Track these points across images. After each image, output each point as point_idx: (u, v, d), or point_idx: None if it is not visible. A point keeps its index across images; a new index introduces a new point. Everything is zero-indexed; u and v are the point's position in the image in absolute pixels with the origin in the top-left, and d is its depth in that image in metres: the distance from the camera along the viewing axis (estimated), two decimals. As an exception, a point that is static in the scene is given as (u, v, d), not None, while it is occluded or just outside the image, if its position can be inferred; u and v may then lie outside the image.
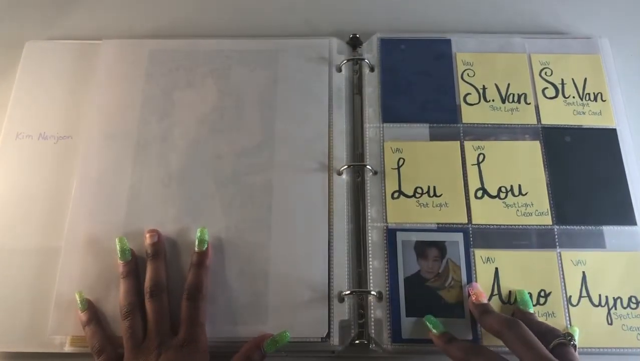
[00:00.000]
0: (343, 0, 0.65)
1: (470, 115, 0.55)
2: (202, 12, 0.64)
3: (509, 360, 0.40)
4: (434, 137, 0.54)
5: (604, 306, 0.48)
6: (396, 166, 0.53)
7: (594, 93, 0.56)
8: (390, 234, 0.50)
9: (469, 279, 0.48)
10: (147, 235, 0.49)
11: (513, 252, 0.49)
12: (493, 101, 0.56)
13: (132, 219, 0.51)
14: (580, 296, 0.48)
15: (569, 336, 0.42)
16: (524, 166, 0.53)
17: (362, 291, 0.49)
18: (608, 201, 0.51)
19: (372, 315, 0.47)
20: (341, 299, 0.48)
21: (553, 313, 0.47)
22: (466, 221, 0.51)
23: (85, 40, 0.60)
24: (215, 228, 0.50)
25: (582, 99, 0.56)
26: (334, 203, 0.51)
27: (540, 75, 0.57)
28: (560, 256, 0.49)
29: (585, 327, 0.47)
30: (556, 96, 0.56)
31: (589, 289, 0.48)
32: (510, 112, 0.55)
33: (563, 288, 0.48)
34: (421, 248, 0.49)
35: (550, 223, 0.50)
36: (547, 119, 0.55)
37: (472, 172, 0.53)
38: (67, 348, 0.47)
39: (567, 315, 0.47)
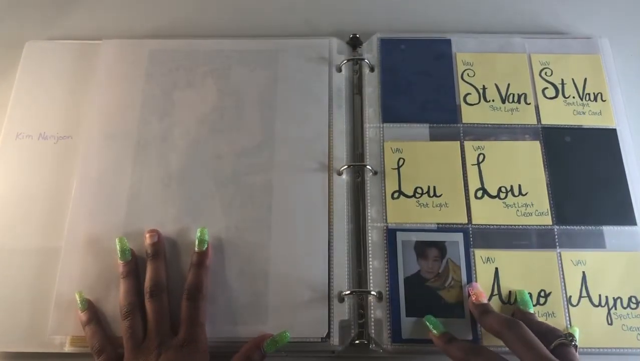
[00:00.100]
0: (343, 0, 0.65)
1: (470, 115, 0.55)
2: (202, 12, 0.64)
3: (509, 360, 0.40)
4: (434, 137, 0.54)
5: (604, 306, 0.48)
6: (396, 166, 0.53)
7: (594, 93, 0.56)
8: (390, 234, 0.50)
9: (469, 279, 0.48)
10: (147, 235, 0.49)
11: (513, 252, 0.49)
12: (493, 101, 0.56)
13: (132, 219, 0.51)
14: (580, 296, 0.48)
15: (570, 337, 0.42)
16: (524, 166, 0.53)
17: (362, 291, 0.49)
18: (608, 201, 0.51)
19: (372, 315, 0.47)
20: (341, 299, 0.48)
21: (553, 313, 0.47)
22: (466, 221, 0.51)
23: (85, 40, 0.60)
24: (215, 228, 0.50)
25: (582, 99, 0.56)
26: (334, 203, 0.51)
27: (540, 75, 0.57)
28: (560, 256, 0.49)
29: (585, 327, 0.47)
30: (556, 96, 0.56)
31: (589, 290, 0.48)
32: (510, 112, 0.55)
33: (563, 288, 0.48)
34: (421, 248, 0.49)
35: (550, 223, 0.50)
36: (547, 119, 0.55)
37: (472, 172, 0.53)
38: (67, 348, 0.47)
39: (567, 315, 0.47)
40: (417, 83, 0.57)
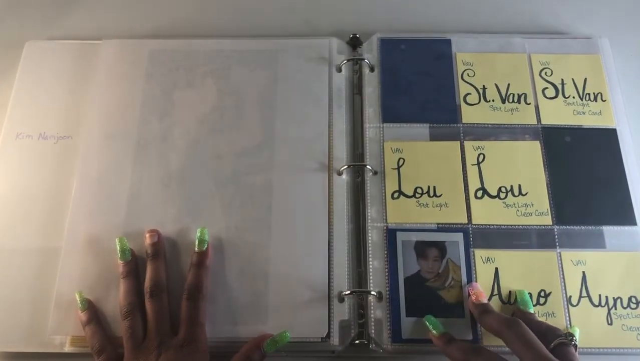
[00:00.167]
0: (343, 0, 0.65)
1: (470, 115, 0.55)
2: (202, 12, 0.64)
3: (509, 360, 0.40)
4: (434, 137, 0.54)
5: (604, 306, 0.48)
6: (396, 166, 0.53)
7: (594, 93, 0.56)
8: (390, 234, 0.50)
9: (469, 279, 0.48)
10: (147, 235, 0.49)
11: (513, 252, 0.49)
12: (493, 101, 0.56)
13: (132, 219, 0.51)
14: (580, 296, 0.48)
15: (570, 336, 0.42)
16: (524, 166, 0.53)
17: (362, 291, 0.48)
18: (608, 201, 0.51)
19: (372, 315, 0.47)
20: (341, 299, 0.48)
21: (553, 313, 0.47)
22: (466, 221, 0.51)
23: (85, 40, 0.60)
24: (215, 228, 0.50)
25: (582, 99, 0.56)
26: (334, 203, 0.51)
27: (540, 75, 0.57)
28: (560, 256, 0.49)
29: (585, 327, 0.47)
30: (556, 96, 0.56)
31: (589, 290, 0.48)
32: (510, 112, 0.55)
33: (563, 288, 0.48)
34: (421, 248, 0.49)
35: (550, 223, 0.50)
36: (547, 119, 0.55)
37: (472, 172, 0.53)
38: (67, 348, 0.47)
39: (567, 315, 0.47)
40: (417, 83, 0.57)
